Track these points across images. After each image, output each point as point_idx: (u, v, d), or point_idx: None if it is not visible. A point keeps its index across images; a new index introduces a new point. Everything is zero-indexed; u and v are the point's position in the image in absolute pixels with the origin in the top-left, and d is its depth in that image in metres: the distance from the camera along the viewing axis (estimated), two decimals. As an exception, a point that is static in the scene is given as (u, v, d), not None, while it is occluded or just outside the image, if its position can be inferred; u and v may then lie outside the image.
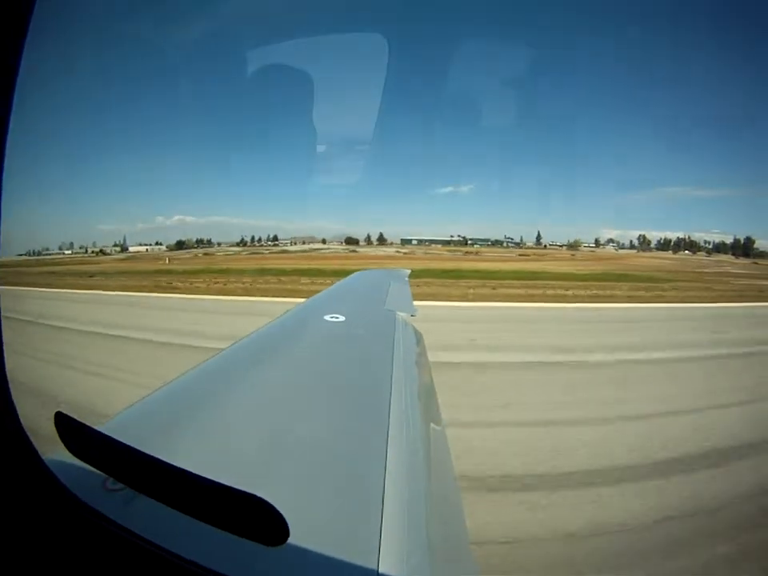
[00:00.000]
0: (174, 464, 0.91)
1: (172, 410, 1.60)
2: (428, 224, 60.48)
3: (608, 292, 24.98)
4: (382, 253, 48.91)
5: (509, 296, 22.85)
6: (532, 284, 26.97)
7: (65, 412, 0.93)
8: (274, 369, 2.10)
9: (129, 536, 0.86)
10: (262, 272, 31.94)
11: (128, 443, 1.00)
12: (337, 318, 2.92)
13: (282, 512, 0.79)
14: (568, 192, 60.73)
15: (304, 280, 27.84)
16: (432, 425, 1.77)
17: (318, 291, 4.74)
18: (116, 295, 23.74)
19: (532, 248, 50.13)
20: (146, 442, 1.15)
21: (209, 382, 1.90)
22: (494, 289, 24.92)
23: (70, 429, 0.93)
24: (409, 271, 6.83)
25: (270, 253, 49.33)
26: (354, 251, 50.24)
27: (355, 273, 6.15)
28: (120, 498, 0.96)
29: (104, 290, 25.45)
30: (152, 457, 0.88)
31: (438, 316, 15.46)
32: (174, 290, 24.87)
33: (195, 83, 48.10)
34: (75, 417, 0.94)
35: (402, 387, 1.81)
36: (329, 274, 30.23)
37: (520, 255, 47.47)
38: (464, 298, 22.08)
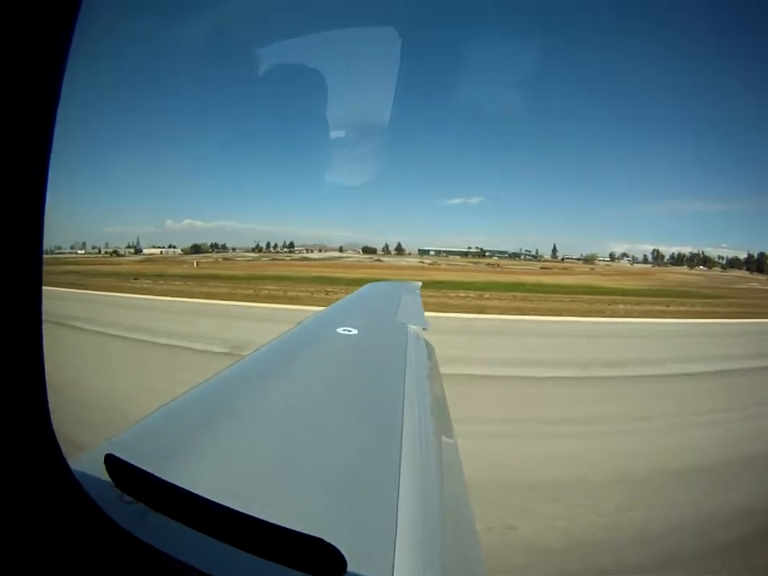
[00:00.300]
0: (190, 478, 1.05)
1: (184, 423, 1.60)
2: (437, 235, 59.99)
3: (715, 309, 25.43)
4: (405, 263, 48.21)
5: (631, 312, 22.80)
6: (621, 300, 27.12)
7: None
8: (288, 383, 2.10)
9: (145, 549, 0.88)
10: (327, 281, 30.48)
11: (142, 455, 1.17)
12: (349, 331, 2.94)
13: (294, 522, 0.88)
14: (576, 205, 62.49)
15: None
16: (444, 438, 1.78)
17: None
18: (251, 308, 20.95)
19: (549, 261, 50.82)
20: (158, 455, 1.28)
21: (222, 395, 1.91)
22: (609, 305, 24.80)
23: (120, 470, 0.97)
24: (420, 284, 6.74)
25: (291, 260, 47.75)
26: (378, 261, 49.26)
27: (366, 284, 6.15)
28: (135, 510, 0.95)
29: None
30: (203, 497, 0.91)
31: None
32: (288, 300, 22.79)
33: (205, 86, 46.36)
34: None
35: (414, 401, 1.85)
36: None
37: (542, 268, 47.91)
38: (602, 313, 22.08)
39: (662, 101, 50.84)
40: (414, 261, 49.38)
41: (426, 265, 48.23)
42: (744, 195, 52.15)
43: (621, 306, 24.54)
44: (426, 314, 4.15)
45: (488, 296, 26.02)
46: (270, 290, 25.68)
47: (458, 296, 26.21)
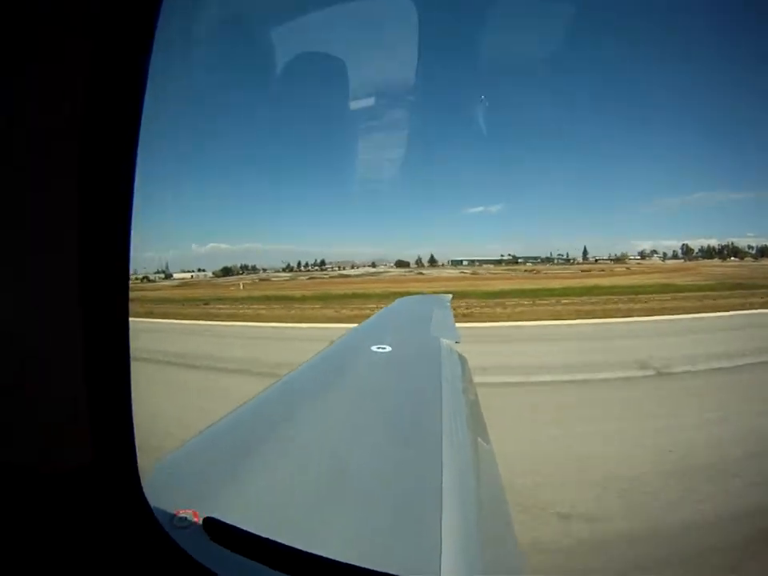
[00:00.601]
0: (243, 505, 1.17)
1: (227, 446, 1.64)
2: (461, 245, 59.15)
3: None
4: (446, 274, 47.27)
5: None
6: (716, 295, 26.80)
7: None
8: (327, 405, 2.13)
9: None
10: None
11: (193, 474, 1.36)
12: (383, 348, 2.97)
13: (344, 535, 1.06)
14: (594, 205, 62.19)
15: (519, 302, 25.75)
16: (482, 448, 1.84)
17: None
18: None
19: (582, 263, 50.60)
20: (205, 480, 1.36)
21: (263, 417, 1.95)
22: (746, 299, 24.38)
23: (219, 529, 1.03)
24: (450, 296, 6.74)
25: (330, 277, 46.14)
26: (420, 273, 48.11)
27: (398, 299, 6.22)
28: (188, 534, 1.02)
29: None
30: (304, 551, 0.97)
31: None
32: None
33: (216, 109, 45.04)
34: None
35: (452, 416, 1.89)
36: (479, 294, 29.08)
37: (582, 271, 47.57)
38: (742, 306, 21.56)
39: (669, 95, 51.36)
40: (453, 272, 48.45)
41: (468, 275, 47.26)
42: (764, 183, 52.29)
43: (737, 300, 24.10)
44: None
45: (616, 299, 25.32)
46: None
47: (591, 302, 25.32)
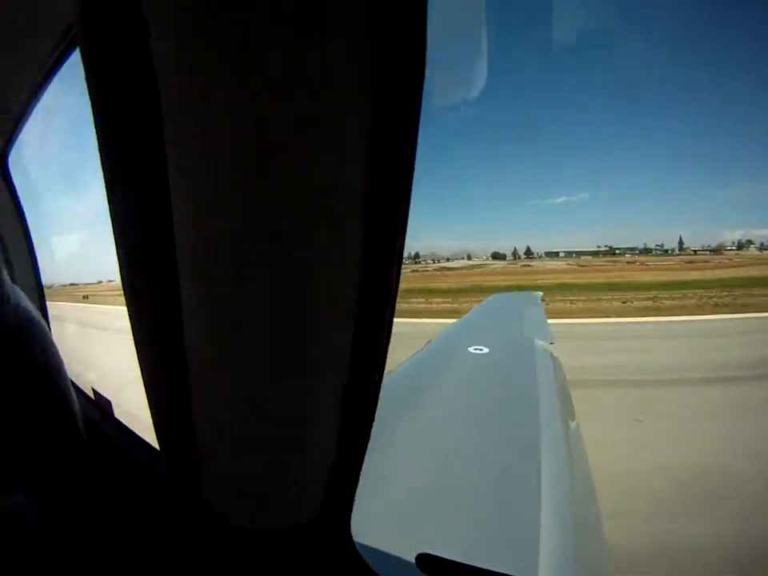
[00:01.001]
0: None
1: None
2: (546, 236, 57.57)
3: None
4: (551, 266, 45.47)
5: None
6: None
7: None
8: (429, 404, 2.20)
9: None
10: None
11: None
12: (480, 349, 3.01)
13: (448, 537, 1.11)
14: (677, 194, 59.88)
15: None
16: (579, 457, 1.84)
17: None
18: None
19: (679, 254, 48.88)
20: None
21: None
22: None
23: (434, 565, 1.01)
24: (540, 294, 6.61)
25: (433, 270, 44.28)
26: (526, 266, 46.40)
27: (488, 297, 6.18)
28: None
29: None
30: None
31: None
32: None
33: None
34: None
35: (550, 420, 1.94)
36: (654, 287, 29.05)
37: (687, 263, 45.88)
38: None
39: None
40: (557, 263, 46.67)
41: (576, 267, 45.49)
42: None
43: None
44: None
45: None
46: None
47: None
